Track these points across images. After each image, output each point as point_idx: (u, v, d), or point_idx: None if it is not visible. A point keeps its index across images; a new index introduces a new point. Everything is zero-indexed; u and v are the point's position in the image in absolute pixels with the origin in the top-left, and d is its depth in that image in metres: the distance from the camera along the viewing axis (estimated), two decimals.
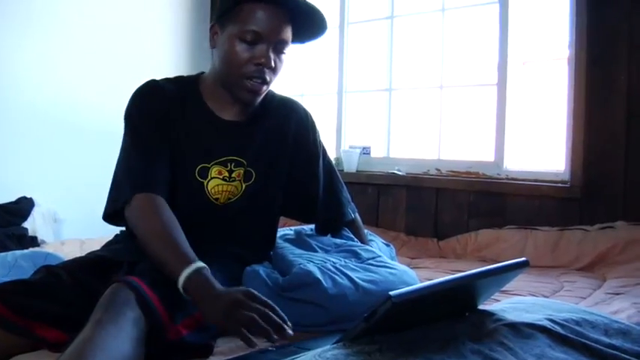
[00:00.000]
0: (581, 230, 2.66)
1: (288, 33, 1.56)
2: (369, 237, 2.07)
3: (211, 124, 1.65)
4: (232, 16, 1.54)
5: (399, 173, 3.35)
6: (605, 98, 2.68)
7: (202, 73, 1.75)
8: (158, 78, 1.69)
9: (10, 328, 1.29)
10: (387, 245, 2.12)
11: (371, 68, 3.74)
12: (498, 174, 3.04)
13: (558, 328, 1.15)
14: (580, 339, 1.13)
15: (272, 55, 1.54)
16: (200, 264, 1.29)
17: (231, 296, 1.21)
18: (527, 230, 2.78)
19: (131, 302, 1.20)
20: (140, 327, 1.18)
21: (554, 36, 2.98)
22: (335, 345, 1.02)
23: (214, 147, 1.64)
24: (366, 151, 3.63)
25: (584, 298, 2.07)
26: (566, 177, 2.79)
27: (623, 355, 1.12)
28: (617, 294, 2.06)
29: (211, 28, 1.64)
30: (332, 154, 3.57)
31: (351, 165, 3.52)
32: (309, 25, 1.62)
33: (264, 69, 1.54)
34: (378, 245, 2.02)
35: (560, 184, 2.80)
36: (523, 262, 1.23)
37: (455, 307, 1.21)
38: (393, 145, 3.60)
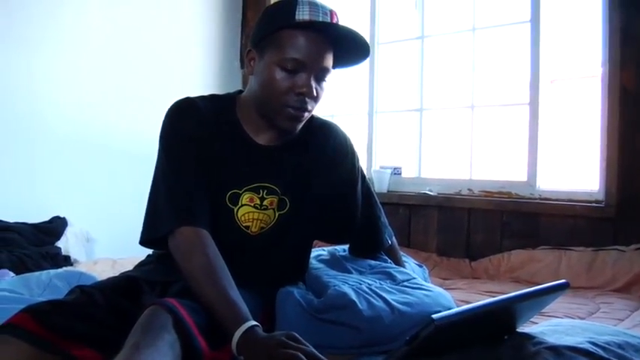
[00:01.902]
0: (617, 250, 2.62)
1: (329, 61, 1.51)
2: (403, 258, 2.04)
3: (245, 148, 1.59)
4: (271, 42, 1.49)
5: (431, 193, 3.34)
6: (638, 118, 2.65)
7: (240, 92, 1.68)
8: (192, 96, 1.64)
9: (46, 347, 1.28)
10: (420, 266, 2.11)
11: (402, 88, 3.74)
12: (531, 194, 3.02)
13: (601, 352, 1.13)
14: None
15: (314, 84, 1.48)
16: (251, 322, 1.26)
17: (274, 339, 1.19)
18: (560, 251, 2.75)
19: (168, 326, 1.18)
20: (176, 351, 1.16)
21: (584, 54, 2.97)
22: None
23: (246, 172, 1.58)
24: (397, 171, 3.63)
25: (622, 320, 2.04)
26: (601, 196, 2.76)
27: None
28: None
29: (248, 53, 1.57)
30: None
31: (382, 185, 3.53)
32: (351, 51, 1.57)
33: (305, 98, 1.48)
34: (411, 266, 2.01)
35: (594, 204, 2.76)
36: (563, 284, 1.22)
37: (493, 329, 1.20)
38: (424, 165, 3.59)
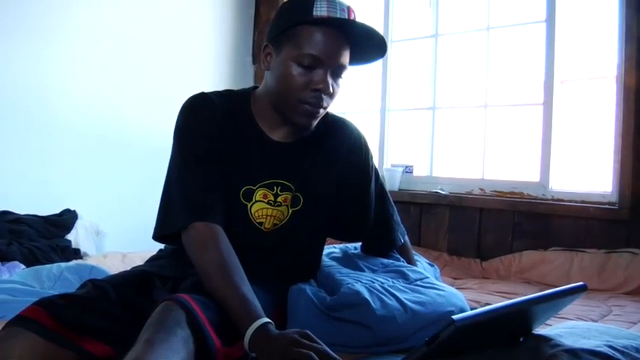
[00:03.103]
0: (630, 253, 2.61)
1: (346, 58, 1.50)
2: (415, 257, 2.03)
3: (260, 144, 1.58)
4: (289, 38, 1.48)
5: (442, 192, 3.34)
6: None
7: (255, 88, 1.67)
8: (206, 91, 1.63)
9: (59, 341, 1.28)
10: (432, 265, 2.10)
11: (414, 86, 3.73)
12: (544, 194, 3.01)
13: (619, 356, 1.12)
14: None
15: (330, 81, 1.47)
16: (264, 319, 1.25)
17: (287, 337, 1.18)
18: (572, 252, 2.75)
19: (182, 322, 1.18)
20: (190, 348, 1.16)
21: (598, 54, 2.95)
22: None
23: (260, 169, 1.58)
24: (408, 169, 3.62)
25: (635, 323, 2.03)
26: (614, 198, 2.75)
27: None
28: None
29: (264, 48, 1.56)
30: None
31: (393, 184, 3.52)
32: (368, 48, 1.55)
33: (321, 94, 1.48)
34: (422, 265, 2.00)
35: (607, 206, 2.75)
36: (581, 286, 1.21)
37: (510, 331, 1.19)
38: (436, 164, 3.58)
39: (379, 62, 3.67)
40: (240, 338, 1.24)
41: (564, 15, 3.03)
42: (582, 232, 2.81)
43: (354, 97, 4.02)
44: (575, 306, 2.18)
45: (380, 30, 3.61)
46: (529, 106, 3.19)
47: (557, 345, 1.13)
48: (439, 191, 3.35)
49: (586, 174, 3.00)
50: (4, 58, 3.15)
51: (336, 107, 3.78)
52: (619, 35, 2.74)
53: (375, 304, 1.46)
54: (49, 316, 1.29)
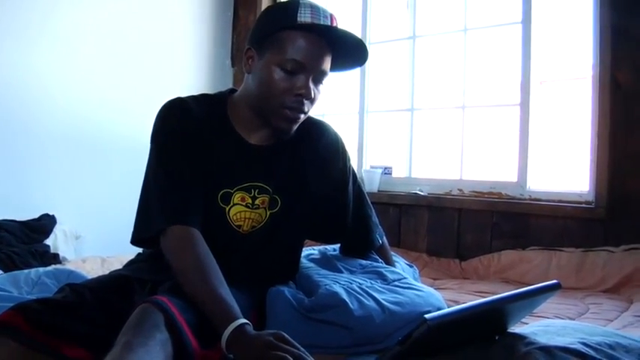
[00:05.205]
0: (606, 251, 2.65)
1: (328, 64, 1.53)
2: (393, 258, 2.04)
3: (236, 148, 1.60)
4: (272, 43, 1.50)
5: (421, 193, 3.37)
6: (629, 118, 2.68)
7: (233, 91, 1.68)
8: (183, 95, 1.64)
9: (37, 347, 1.29)
10: (411, 266, 2.12)
11: (393, 88, 3.76)
12: (521, 194, 3.04)
13: (592, 353, 1.14)
14: None
15: (312, 86, 1.51)
16: (241, 320, 1.26)
17: (263, 339, 1.19)
18: (550, 251, 2.78)
19: (160, 324, 1.19)
20: (168, 351, 1.16)
21: (575, 55, 3.00)
22: None
23: (238, 172, 1.60)
24: (387, 171, 3.65)
25: (611, 321, 2.05)
26: (591, 198, 2.79)
27: None
28: None
29: (247, 51, 1.58)
30: None
31: (372, 185, 3.55)
32: (349, 55, 1.58)
33: (303, 100, 1.51)
34: (401, 266, 2.02)
35: (584, 205, 2.79)
36: (555, 284, 1.23)
37: (485, 330, 1.21)
38: (415, 165, 3.62)
39: None
40: (218, 340, 1.24)
41: (540, 16, 3.07)
42: (560, 231, 2.85)
43: (332, 98, 4.03)
44: (552, 304, 2.20)
45: (358, 32, 3.69)
46: (507, 107, 3.23)
47: (532, 343, 1.15)
48: (418, 192, 3.38)
49: (563, 174, 3.04)
50: None
51: (315, 109, 3.80)
52: (593, 36, 2.78)
53: (352, 304, 1.47)
54: (26, 321, 1.30)
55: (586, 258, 2.67)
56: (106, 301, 1.43)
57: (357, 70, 3.75)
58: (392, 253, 2.08)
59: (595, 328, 1.37)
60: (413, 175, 3.59)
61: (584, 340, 1.19)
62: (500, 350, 1.12)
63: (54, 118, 3.43)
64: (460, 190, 3.30)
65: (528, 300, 1.22)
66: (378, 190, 3.57)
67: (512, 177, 3.11)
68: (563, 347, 1.13)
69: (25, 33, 3.28)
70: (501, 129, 3.26)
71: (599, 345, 1.18)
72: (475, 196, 3.21)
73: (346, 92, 3.94)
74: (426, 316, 0.95)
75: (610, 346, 1.20)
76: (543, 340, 1.18)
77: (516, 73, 3.10)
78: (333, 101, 4.04)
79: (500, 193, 3.13)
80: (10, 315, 1.30)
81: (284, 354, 1.12)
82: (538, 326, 1.36)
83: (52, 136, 3.43)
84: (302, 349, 1.17)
